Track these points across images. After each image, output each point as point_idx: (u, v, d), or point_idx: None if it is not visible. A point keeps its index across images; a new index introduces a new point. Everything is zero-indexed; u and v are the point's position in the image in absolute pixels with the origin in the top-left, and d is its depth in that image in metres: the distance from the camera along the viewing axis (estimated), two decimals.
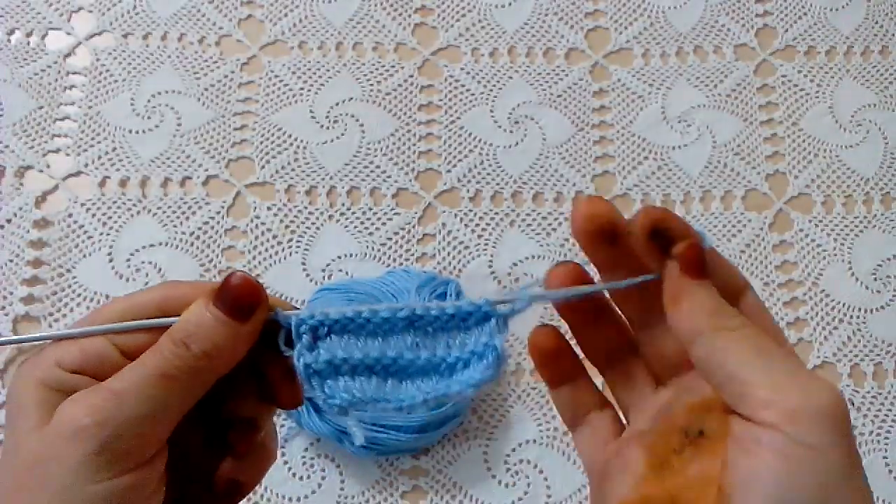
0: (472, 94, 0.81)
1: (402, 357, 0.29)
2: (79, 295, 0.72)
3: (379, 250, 0.74)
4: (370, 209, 0.76)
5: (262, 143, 0.79)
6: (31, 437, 0.27)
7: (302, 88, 0.81)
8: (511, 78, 0.82)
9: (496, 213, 0.76)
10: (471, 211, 0.76)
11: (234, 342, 0.28)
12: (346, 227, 0.75)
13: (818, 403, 0.25)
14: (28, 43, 0.82)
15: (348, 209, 0.76)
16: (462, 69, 0.82)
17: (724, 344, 0.27)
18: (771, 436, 0.25)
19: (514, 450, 0.68)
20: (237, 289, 0.28)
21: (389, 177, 0.77)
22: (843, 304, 0.74)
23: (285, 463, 0.67)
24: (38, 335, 0.30)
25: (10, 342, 0.33)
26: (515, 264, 0.74)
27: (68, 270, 0.73)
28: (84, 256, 0.73)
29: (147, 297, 0.30)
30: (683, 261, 0.28)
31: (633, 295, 0.31)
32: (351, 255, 0.74)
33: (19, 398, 0.28)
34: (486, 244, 0.75)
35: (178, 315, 0.28)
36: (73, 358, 0.28)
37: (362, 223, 0.75)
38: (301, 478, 0.67)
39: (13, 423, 0.28)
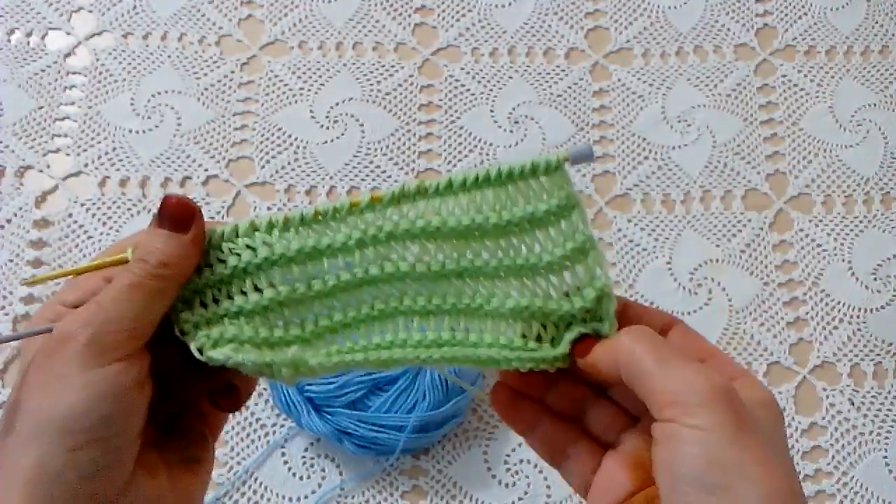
0: (472, 94, 0.81)
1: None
2: None
3: None
4: None
5: (262, 143, 0.79)
6: (31, 350, 0.33)
7: (302, 88, 0.81)
8: (511, 78, 0.82)
9: None
10: None
11: (182, 250, 0.34)
12: None
13: (699, 390, 0.30)
14: (28, 43, 0.82)
15: None
16: (462, 69, 0.82)
17: (631, 368, 0.32)
18: (671, 428, 0.30)
19: (514, 450, 0.68)
20: (174, 207, 0.35)
21: (389, 177, 0.77)
22: (843, 304, 0.74)
23: (285, 463, 0.67)
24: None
25: None
26: None
27: None
28: (84, 256, 0.73)
29: (115, 247, 0.36)
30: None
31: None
32: None
33: (28, 352, 0.33)
34: None
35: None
36: (74, 296, 0.34)
37: None
38: (301, 478, 0.67)
39: (22, 367, 0.33)
